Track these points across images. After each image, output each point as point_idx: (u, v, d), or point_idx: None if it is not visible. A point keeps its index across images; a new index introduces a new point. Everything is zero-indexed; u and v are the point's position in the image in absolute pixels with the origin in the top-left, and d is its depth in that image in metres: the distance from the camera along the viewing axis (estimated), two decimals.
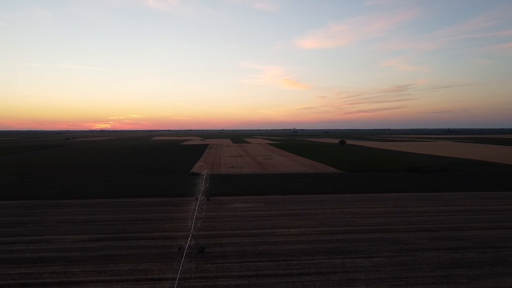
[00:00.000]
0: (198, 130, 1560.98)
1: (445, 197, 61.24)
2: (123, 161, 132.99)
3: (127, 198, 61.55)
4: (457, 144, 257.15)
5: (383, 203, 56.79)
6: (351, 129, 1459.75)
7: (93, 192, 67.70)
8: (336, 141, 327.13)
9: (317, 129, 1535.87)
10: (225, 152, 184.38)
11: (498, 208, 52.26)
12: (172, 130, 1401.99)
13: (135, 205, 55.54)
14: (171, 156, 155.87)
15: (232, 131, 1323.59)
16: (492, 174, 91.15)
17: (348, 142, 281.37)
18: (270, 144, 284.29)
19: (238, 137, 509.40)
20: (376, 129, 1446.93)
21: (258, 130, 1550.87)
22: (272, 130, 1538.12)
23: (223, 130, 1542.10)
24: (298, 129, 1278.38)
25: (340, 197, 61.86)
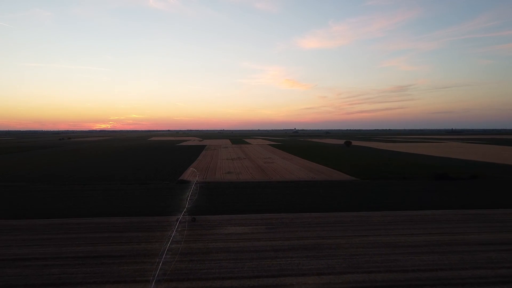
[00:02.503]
0: (198, 130, 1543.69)
1: (500, 217, 47.33)
2: (106, 165, 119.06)
3: (88, 218, 47.55)
4: (468, 145, 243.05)
5: (423, 226, 42.89)
6: (352, 130, 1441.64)
7: (47, 209, 53.76)
8: (340, 141, 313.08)
9: (318, 130, 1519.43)
10: (223, 154, 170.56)
11: None
12: (171, 130, 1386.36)
13: (94, 230, 41.66)
14: (163, 159, 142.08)
15: (232, 131, 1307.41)
16: None
17: (353, 143, 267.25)
18: (271, 145, 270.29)
19: (238, 137, 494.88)
20: (377, 129, 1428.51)
21: (258, 130, 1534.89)
22: (272, 130, 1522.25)
23: (223, 130, 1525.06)
24: (298, 130, 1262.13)
25: (365, 217, 47.92)
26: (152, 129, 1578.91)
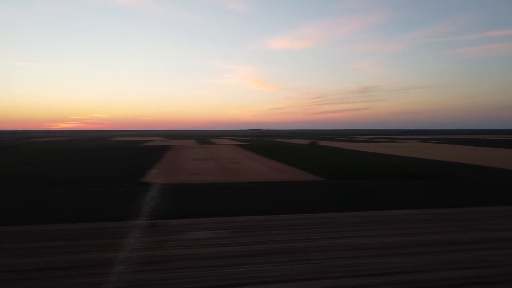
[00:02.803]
0: (164, 130, 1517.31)
1: (461, 216, 47.87)
2: (62, 167, 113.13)
3: (38, 225, 43.78)
4: (431, 145, 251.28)
5: (392, 226, 42.57)
6: (318, 130, 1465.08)
7: None
8: (306, 141, 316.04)
9: (284, 130, 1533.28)
10: (188, 155, 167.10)
11: None
12: (136, 130, 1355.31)
13: (44, 238, 38.42)
14: (125, 160, 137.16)
15: (198, 131, 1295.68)
16: (490, 181, 79.76)
17: (320, 143, 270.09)
18: (237, 145, 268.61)
19: (204, 137, 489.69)
20: (343, 129, 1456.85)
21: (224, 130, 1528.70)
22: (239, 130, 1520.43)
23: (189, 130, 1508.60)
24: (265, 130, 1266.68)
25: (334, 218, 47.20)
26: (116, 129, 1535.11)
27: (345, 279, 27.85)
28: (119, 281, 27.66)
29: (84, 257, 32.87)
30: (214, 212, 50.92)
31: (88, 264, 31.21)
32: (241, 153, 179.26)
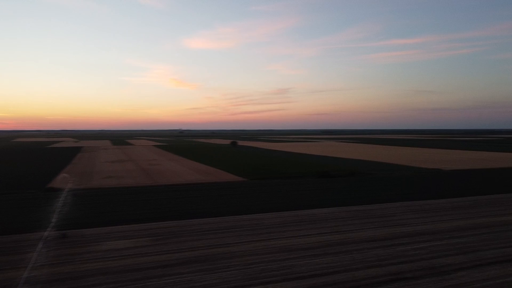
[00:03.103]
0: (75, 130, 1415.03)
1: (378, 213, 50.27)
2: None
3: None
4: (342, 144, 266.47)
5: (314, 226, 42.99)
6: (237, 130, 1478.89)
7: None
8: (226, 142, 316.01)
9: (204, 130, 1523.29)
10: (102, 157, 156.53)
11: (449, 227, 42.28)
12: (42, 130, 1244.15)
13: None
14: (29, 163, 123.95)
15: (113, 131, 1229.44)
16: (398, 178, 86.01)
17: (239, 143, 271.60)
18: (156, 146, 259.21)
19: (120, 138, 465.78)
20: (261, 129, 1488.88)
21: (142, 130, 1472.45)
22: (157, 130, 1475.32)
23: (103, 130, 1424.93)
24: (184, 130, 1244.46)
25: (257, 219, 46.49)
26: (19, 129, 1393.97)
27: (274, 285, 26.97)
28: None
29: None
30: (132, 218, 47.33)
31: None
32: (160, 154, 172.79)
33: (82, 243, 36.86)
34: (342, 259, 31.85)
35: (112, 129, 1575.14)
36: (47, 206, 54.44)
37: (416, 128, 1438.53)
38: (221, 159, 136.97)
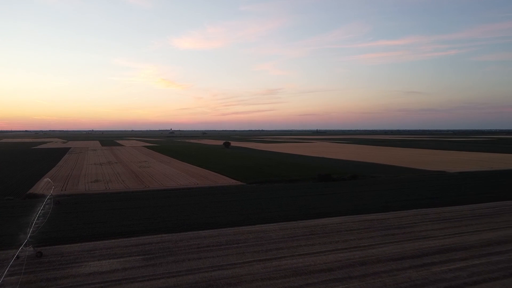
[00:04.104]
0: (63, 130, 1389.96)
1: (395, 223, 45.41)
2: None
3: None
4: (336, 145, 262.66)
5: (327, 240, 37.94)
6: (227, 130, 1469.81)
7: None
8: (218, 142, 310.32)
9: (195, 130, 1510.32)
10: (90, 158, 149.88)
11: (480, 240, 37.56)
12: (31, 131, 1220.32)
13: None
14: (10, 166, 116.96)
15: (102, 132, 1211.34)
16: (403, 181, 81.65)
17: (232, 143, 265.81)
18: (146, 146, 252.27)
19: (109, 138, 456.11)
20: (251, 130, 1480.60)
21: (132, 131, 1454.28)
22: (147, 131, 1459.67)
23: (93, 131, 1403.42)
24: (175, 130, 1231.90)
25: (262, 232, 41.26)
26: (6, 130, 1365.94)
27: None
28: None
29: None
30: (121, 231, 41.84)
31: None
32: (151, 155, 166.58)
33: (60, 265, 31.33)
34: (372, 285, 26.88)
35: (101, 129, 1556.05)
36: (24, 216, 48.53)
37: (404, 128, 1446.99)
38: (215, 161, 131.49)
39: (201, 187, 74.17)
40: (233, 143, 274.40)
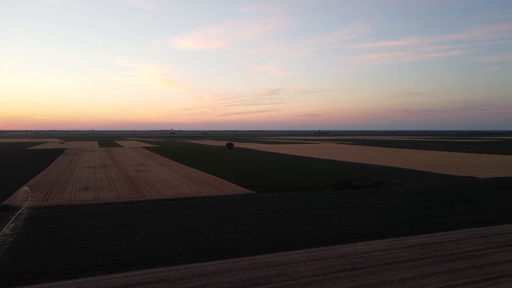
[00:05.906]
0: (64, 130, 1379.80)
1: (453, 250, 35.75)
2: None
3: None
4: (344, 146, 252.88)
5: (376, 279, 28.25)
6: (229, 130, 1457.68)
7: None
8: (219, 143, 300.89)
9: (196, 130, 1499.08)
10: (85, 161, 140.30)
11: None
12: (30, 131, 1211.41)
13: None
14: None
15: (103, 132, 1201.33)
16: (434, 189, 72.00)
17: (235, 144, 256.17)
18: (146, 147, 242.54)
19: (109, 139, 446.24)
20: (252, 130, 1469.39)
21: (133, 131, 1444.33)
22: (148, 131, 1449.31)
23: (93, 131, 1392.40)
24: (176, 130, 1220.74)
25: (286, 265, 31.50)
26: (6, 129, 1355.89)
27: None
28: None
29: None
30: (101, 262, 32.19)
31: None
32: (150, 157, 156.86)
33: None
34: None
35: (102, 129, 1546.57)
36: None
37: (406, 129, 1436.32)
38: (218, 164, 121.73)
39: (204, 197, 64.49)
40: (235, 144, 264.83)
